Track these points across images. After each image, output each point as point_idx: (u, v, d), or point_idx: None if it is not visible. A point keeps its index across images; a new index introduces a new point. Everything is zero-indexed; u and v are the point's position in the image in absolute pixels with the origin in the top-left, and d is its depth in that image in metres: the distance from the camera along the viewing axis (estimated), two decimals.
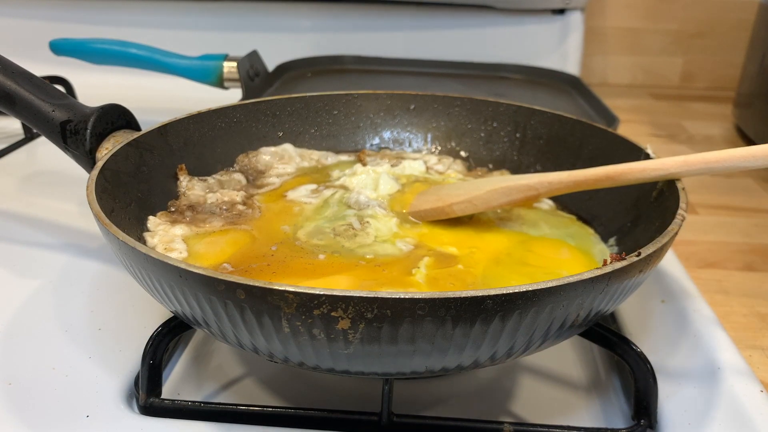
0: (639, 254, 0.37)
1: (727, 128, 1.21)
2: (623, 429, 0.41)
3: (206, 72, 0.91)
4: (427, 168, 0.65)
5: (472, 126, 0.68)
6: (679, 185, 0.47)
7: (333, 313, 0.32)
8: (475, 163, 0.67)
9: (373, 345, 0.33)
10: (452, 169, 0.66)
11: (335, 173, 0.63)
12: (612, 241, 0.53)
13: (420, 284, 0.45)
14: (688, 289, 0.57)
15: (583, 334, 0.43)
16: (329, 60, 1.16)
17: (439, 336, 0.33)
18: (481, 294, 0.32)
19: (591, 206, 0.57)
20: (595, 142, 0.59)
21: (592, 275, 0.34)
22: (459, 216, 0.53)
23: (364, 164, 0.64)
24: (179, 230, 0.51)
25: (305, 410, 0.42)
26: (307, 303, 0.32)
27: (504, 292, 0.32)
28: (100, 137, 0.53)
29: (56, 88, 0.56)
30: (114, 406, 0.42)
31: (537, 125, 0.65)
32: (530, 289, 0.33)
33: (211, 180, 0.59)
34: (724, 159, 0.44)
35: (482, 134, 0.67)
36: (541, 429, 0.41)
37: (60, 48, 0.94)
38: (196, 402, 0.42)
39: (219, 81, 0.91)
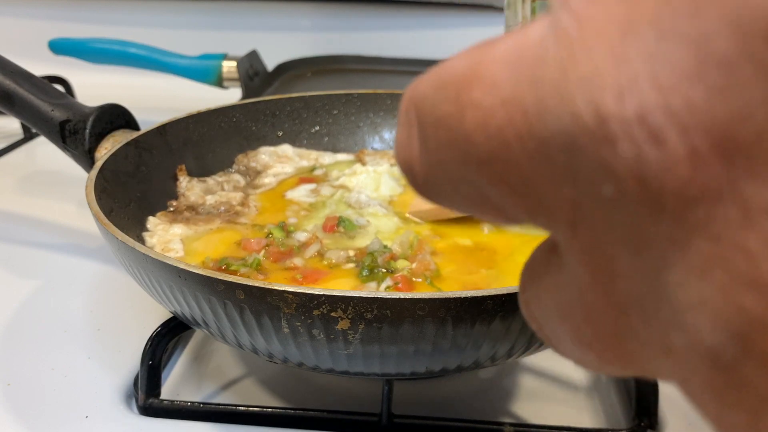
0: None
1: None
2: (623, 429, 0.41)
3: (205, 71, 0.91)
4: None
5: None
6: None
7: (332, 314, 0.32)
8: None
9: (372, 345, 0.33)
10: None
11: (334, 173, 0.62)
12: None
13: (423, 283, 0.45)
14: None
15: None
16: (329, 60, 1.15)
17: (439, 336, 0.33)
18: (481, 294, 0.32)
19: None
20: None
21: None
22: (459, 216, 0.53)
23: (364, 164, 0.63)
24: (178, 230, 0.51)
25: (305, 411, 0.41)
26: (306, 303, 0.32)
27: (504, 292, 0.32)
28: (99, 137, 0.53)
29: (55, 87, 0.56)
30: (113, 406, 0.42)
31: None
32: None
33: (210, 181, 0.59)
34: None
35: None
36: (542, 429, 0.41)
37: (59, 47, 0.94)
38: (195, 402, 0.42)
39: (218, 81, 0.91)
